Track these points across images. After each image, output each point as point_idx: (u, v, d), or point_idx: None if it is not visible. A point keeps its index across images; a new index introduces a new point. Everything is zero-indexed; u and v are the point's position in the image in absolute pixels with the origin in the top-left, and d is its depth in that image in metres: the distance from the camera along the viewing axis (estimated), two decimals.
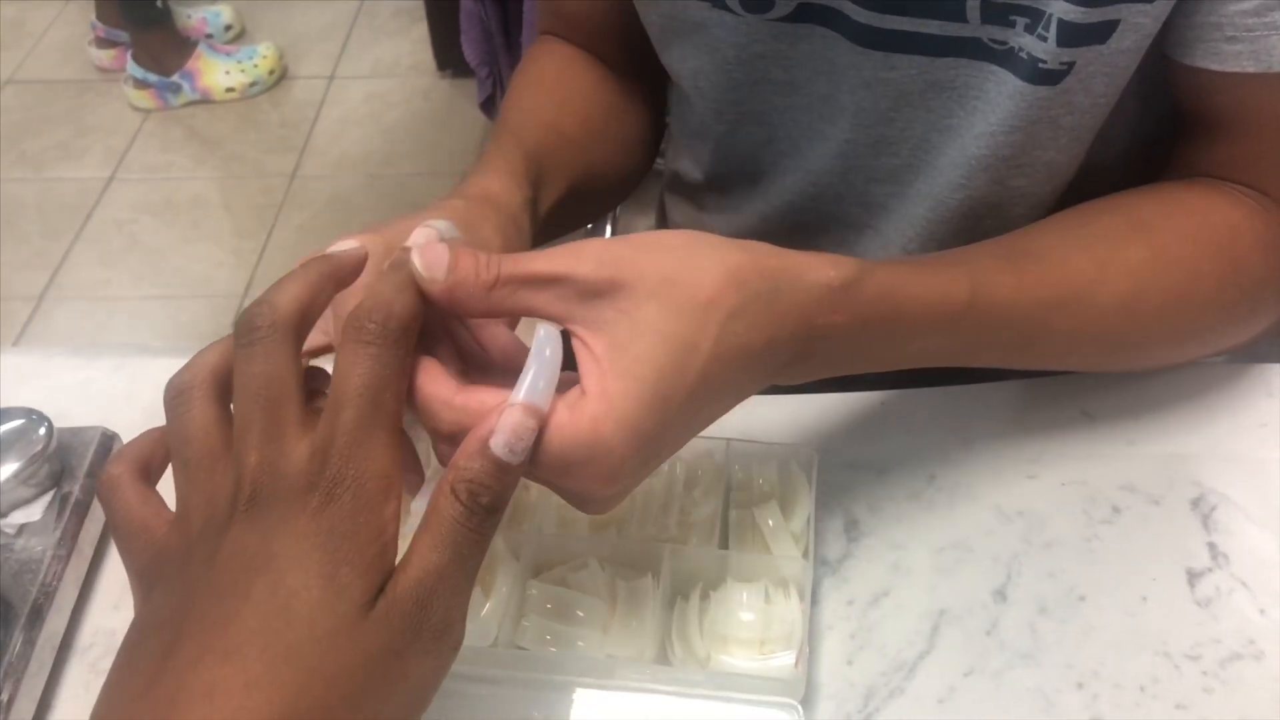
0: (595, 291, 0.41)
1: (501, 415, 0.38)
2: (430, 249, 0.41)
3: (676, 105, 0.75)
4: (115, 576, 0.58)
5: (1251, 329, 0.61)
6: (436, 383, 0.41)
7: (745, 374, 0.44)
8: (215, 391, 0.41)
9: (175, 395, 0.41)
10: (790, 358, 0.46)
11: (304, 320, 0.40)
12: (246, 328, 0.39)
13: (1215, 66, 0.54)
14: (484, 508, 0.38)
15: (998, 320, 0.52)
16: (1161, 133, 0.63)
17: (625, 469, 0.41)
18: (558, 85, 0.72)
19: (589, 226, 1.94)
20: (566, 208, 0.66)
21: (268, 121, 2.41)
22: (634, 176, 0.77)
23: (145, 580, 0.39)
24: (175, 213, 2.21)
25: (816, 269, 0.45)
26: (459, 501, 0.37)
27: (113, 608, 0.57)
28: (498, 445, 0.38)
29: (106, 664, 0.54)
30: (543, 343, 0.41)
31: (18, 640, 0.52)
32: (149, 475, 0.42)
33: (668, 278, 0.42)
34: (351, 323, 0.39)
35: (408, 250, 0.42)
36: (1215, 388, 0.64)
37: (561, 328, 0.42)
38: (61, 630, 0.55)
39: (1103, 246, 0.56)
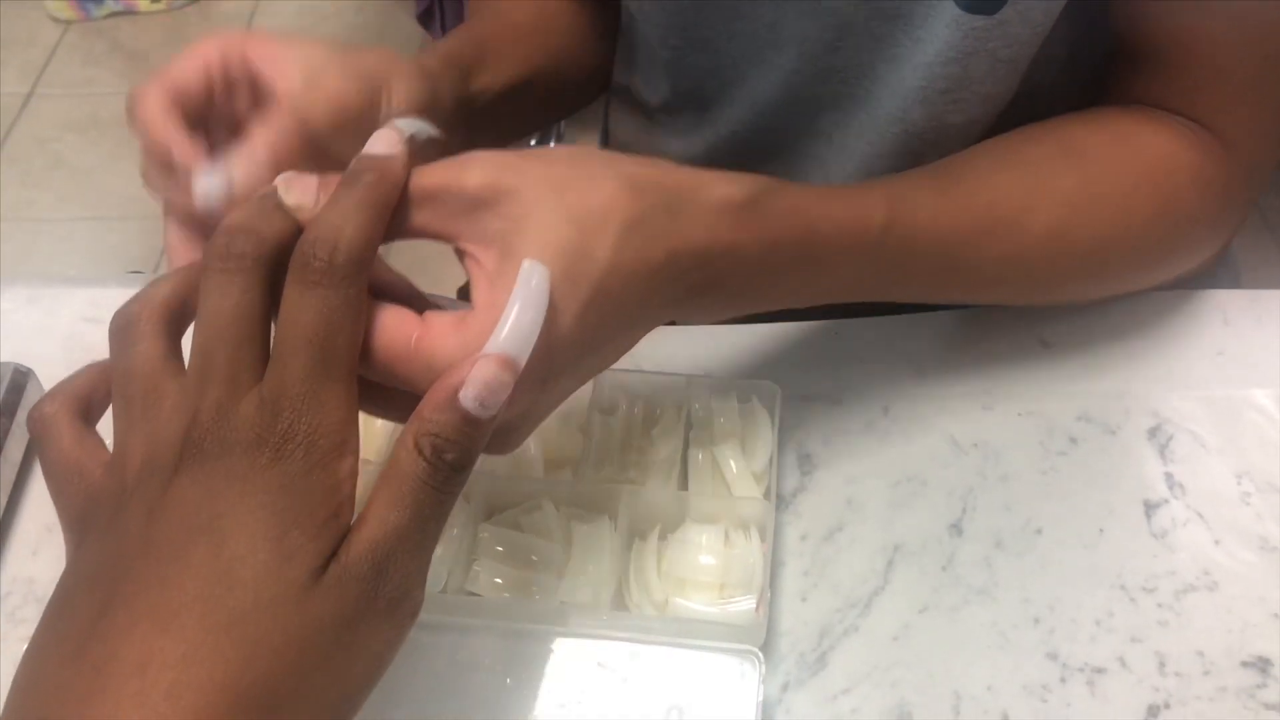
0: (480, 202, 0.39)
1: (475, 365, 0.35)
2: (297, 179, 0.39)
3: (626, 24, 0.72)
4: (33, 522, 0.56)
5: (1184, 264, 0.60)
6: (398, 322, 0.38)
7: (646, 292, 0.42)
8: (166, 326, 0.38)
9: (122, 326, 0.37)
10: (698, 282, 0.44)
11: (286, 257, 0.37)
12: (225, 254, 0.36)
13: None
14: (449, 465, 0.35)
15: (919, 244, 0.50)
16: (1097, 60, 0.61)
17: (518, 389, 0.38)
18: None
19: (532, 144, 1.90)
20: (521, 99, 0.63)
21: (196, 35, 2.24)
22: (596, 75, 0.74)
23: (77, 527, 0.36)
24: (101, 130, 2.11)
25: (720, 184, 0.44)
26: (422, 457, 0.34)
27: (31, 554, 0.55)
28: (468, 398, 0.35)
29: (26, 613, 0.52)
30: (526, 276, 0.37)
31: None
32: (88, 414, 0.39)
33: (557, 184, 0.39)
34: (297, 259, 0.36)
35: (363, 163, 0.39)
36: (1172, 315, 0.63)
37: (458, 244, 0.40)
38: None
39: (1034, 173, 0.55)
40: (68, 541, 0.37)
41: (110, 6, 2.30)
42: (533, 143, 1.90)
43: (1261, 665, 0.49)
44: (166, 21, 2.32)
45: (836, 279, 0.50)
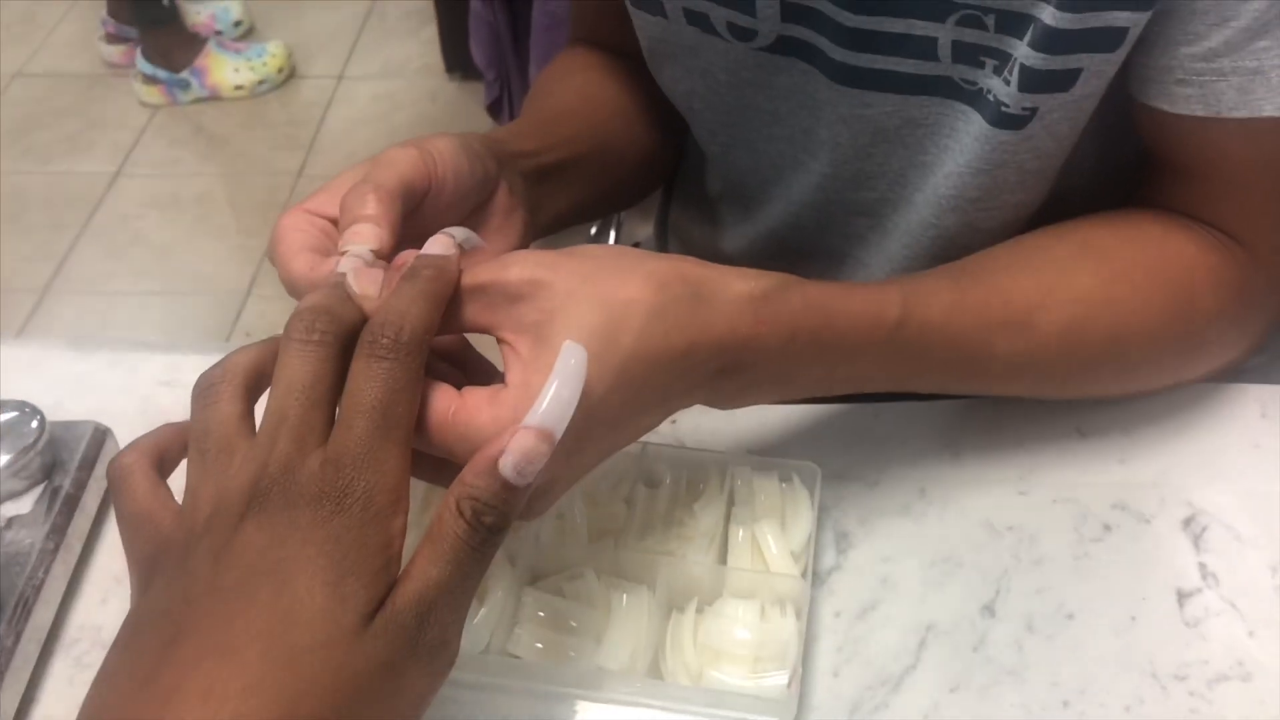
0: (519, 295, 0.43)
1: (514, 436, 0.39)
2: (364, 273, 0.43)
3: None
4: (103, 571, 0.58)
5: (1201, 366, 0.61)
6: (439, 395, 0.42)
7: (668, 377, 0.45)
8: (244, 391, 0.42)
9: (205, 389, 0.41)
10: (718, 369, 0.47)
11: (353, 340, 0.41)
12: (309, 329, 0.40)
13: (1167, 108, 0.55)
14: (487, 527, 0.38)
15: (933, 339, 0.53)
16: (1126, 163, 0.63)
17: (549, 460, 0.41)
18: (573, 71, 0.74)
19: (593, 231, 1.95)
20: (575, 174, 0.65)
21: (275, 120, 2.41)
22: (652, 160, 0.77)
23: (145, 571, 0.39)
24: (181, 209, 2.21)
25: (741, 279, 0.47)
26: (463, 519, 0.38)
27: (100, 603, 0.57)
28: (506, 467, 0.38)
29: (91, 659, 0.55)
30: (566, 356, 0.41)
31: (4, 634, 0.52)
32: (161, 468, 0.42)
33: (588, 278, 0.44)
34: (366, 336, 0.40)
35: (422, 261, 0.43)
36: (1209, 408, 0.64)
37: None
38: (48, 624, 0.55)
39: (1051, 271, 0.57)
40: (134, 584, 0.40)
41: (196, 93, 2.41)
42: (593, 230, 1.95)
43: None
44: (247, 107, 2.43)
45: (854, 370, 0.52)
